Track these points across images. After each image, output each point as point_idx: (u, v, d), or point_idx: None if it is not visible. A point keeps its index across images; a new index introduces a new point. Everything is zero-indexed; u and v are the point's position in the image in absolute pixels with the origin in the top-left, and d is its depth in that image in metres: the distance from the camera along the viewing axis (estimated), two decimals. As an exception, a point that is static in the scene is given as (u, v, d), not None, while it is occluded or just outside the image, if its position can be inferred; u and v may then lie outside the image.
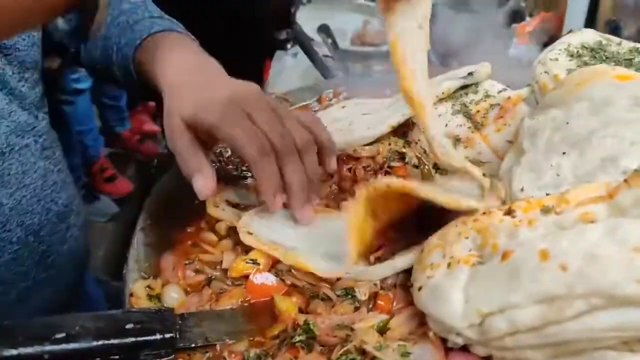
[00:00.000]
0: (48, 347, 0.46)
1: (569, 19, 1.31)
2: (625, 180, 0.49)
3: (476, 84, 0.83)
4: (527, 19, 1.57)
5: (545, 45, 1.48)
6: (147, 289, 0.65)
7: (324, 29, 1.53)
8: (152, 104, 3.38)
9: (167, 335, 0.51)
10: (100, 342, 0.48)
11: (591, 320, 0.44)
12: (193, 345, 0.54)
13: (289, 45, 2.07)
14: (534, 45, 1.48)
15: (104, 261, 2.84)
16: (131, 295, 0.61)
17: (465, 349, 0.54)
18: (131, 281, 0.63)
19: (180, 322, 0.54)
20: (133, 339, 0.49)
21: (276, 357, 0.57)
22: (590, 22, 1.31)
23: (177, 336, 0.52)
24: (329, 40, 1.53)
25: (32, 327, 0.48)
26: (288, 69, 1.68)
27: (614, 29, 1.22)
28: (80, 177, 2.78)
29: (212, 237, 0.73)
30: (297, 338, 0.58)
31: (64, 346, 0.46)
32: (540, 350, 0.48)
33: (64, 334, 0.47)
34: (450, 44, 1.76)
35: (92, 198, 2.82)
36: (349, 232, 0.61)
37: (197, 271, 0.69)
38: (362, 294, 0.64)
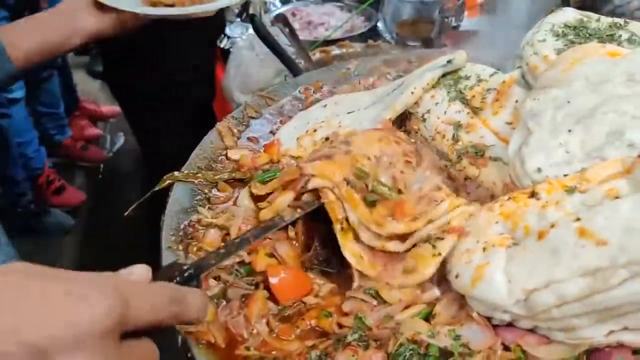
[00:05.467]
0: None
1: (517, -12, 1.36)
2: (639, 156, 0.54)
3: (457, 70, 0.86)
4: (475, -9, 1.62)
5: (494, 16, 1.54)
6: None
7: (281, 18, 1.52)
8: (91, 107, 3.25)
9: None
10: None
11: (635, 285, 0.49)
12: None
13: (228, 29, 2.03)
14: (485, 17, 1.53)
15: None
16: None
17: (510, 324, 0.58)
18: None
19: None
20: None
21: (335, 357, 0.59)
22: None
23: None
24: (287, 30, 1.52)
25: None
26: (246, 63, 1.66)
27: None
28: (25, 192, 2.65)
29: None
30: (350, 337, 0.61)
31: None
32: (585, 316, 0.53)
33: None
34: (402, 23, 1.80)
35: (42, 213, 2.70)
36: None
37: (217, 278, 0.70)
38: None
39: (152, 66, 1.87)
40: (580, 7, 1.39)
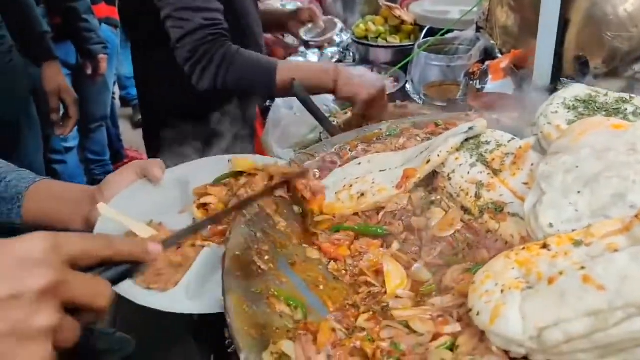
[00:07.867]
0: None
1: (539, 55, 1.48)
2: (637, 216, 0.64)
3: (479, 135, 0.97)
4: (499, 55, 1.74)
5: (518, 79, 1.66)
6: None
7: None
8: (134, 155, 3.46)
9: None
10: None
11: (630, 325, 0.58)
12: None
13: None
14: (508, 81, 1.65)
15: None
16: None
17: (525, 357, 0.67)
18: None
19: None
20: None
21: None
22: (559, 58, 1.48)
23: None
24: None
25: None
26: (285, 120, 1.81)
27: (583, 64, 1.40)
28: (71, 233, 2.81)
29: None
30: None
31: None
32: (590, 352, 0.61)
33: None
34: (430, 85, 1.94)
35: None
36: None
37: None
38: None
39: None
40: (603, 74, 1.51)
